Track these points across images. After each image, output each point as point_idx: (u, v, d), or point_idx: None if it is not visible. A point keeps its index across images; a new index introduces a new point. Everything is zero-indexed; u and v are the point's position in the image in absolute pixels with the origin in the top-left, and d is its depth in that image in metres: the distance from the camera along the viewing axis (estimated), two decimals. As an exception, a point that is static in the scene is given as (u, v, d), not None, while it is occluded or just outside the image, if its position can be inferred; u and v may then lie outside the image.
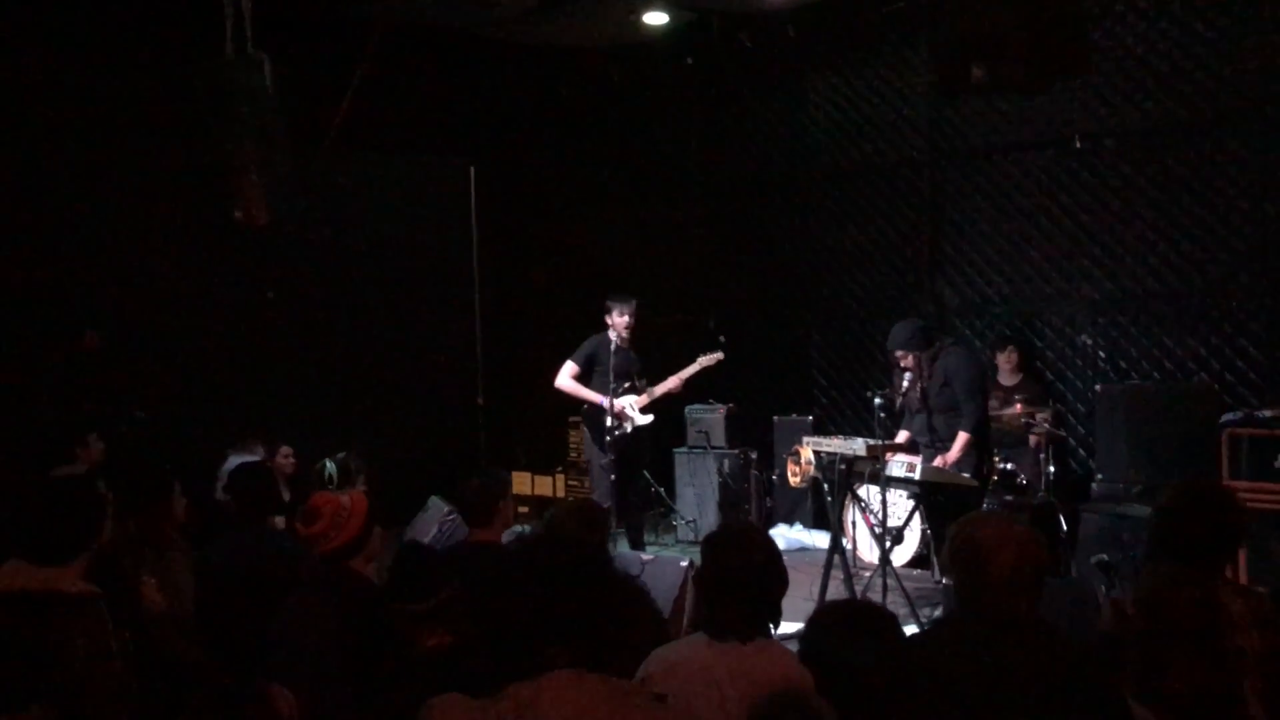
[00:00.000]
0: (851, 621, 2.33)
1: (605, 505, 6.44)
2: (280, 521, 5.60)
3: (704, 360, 7.68)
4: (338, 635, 3.36)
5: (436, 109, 9.47)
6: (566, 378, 7.55)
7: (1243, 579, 6.15)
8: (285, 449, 7.36)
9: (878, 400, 6.19)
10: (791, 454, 7.42)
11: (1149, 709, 2.52)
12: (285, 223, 6.23)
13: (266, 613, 3.61)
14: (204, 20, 6.01)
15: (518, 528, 7.18)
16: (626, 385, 7.36)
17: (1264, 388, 7.17)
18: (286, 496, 6.44)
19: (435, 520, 7.06)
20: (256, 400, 8.06)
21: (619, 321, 7.37)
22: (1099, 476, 7.23)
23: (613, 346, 7.37)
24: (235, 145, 5.96)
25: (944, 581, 6.49)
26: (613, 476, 7.25)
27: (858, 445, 6.14)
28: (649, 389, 7.53)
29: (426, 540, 6.97)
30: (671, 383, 7.59)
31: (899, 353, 6.55)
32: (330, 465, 6.10)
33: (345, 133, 8.58)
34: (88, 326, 7.41)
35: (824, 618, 2.40)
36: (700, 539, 8.33)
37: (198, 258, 7.95)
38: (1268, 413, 6.54)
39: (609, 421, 7.40)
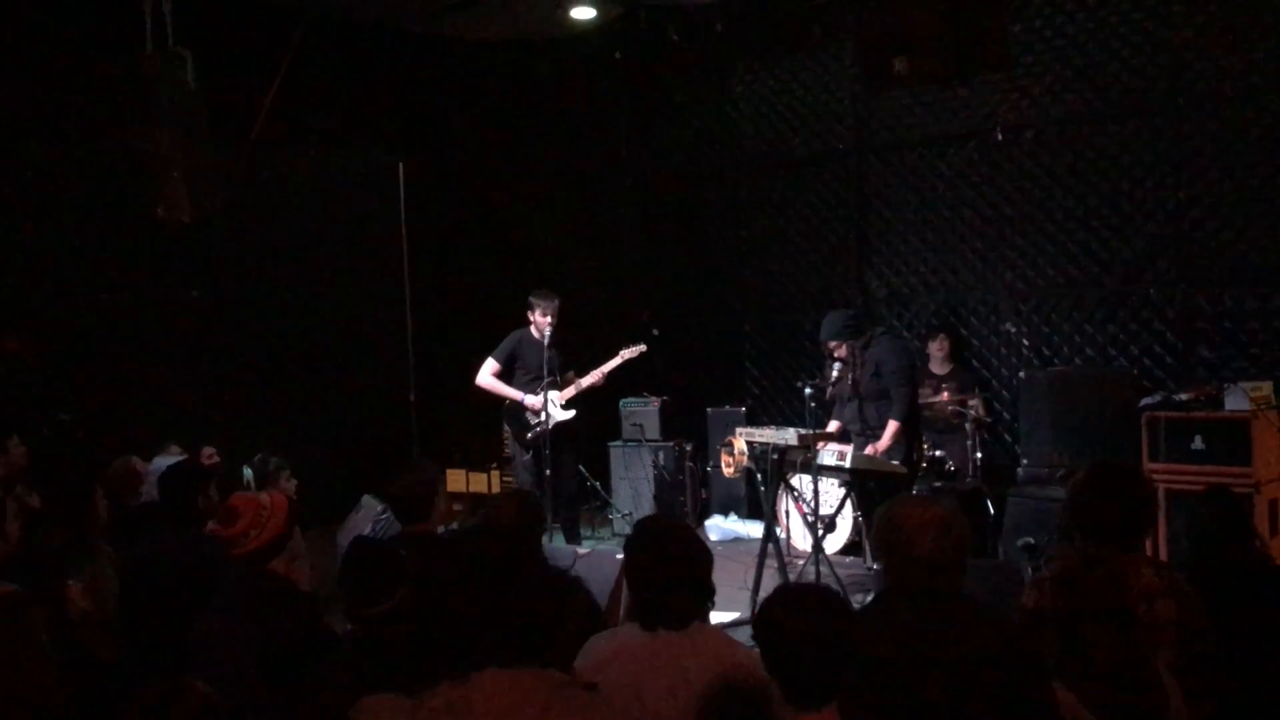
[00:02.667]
0: (802, 601, 2.40)
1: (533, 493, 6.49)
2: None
3: (626, 353, 7.73)
4: (259, 638, 3.32)
5: (364, 104, 9.36)
6: (487, 375, 7.58)
7: (1163, 558, 6.34)
8: (208, 450, 7.23)
9: (808, 390, 6.27)
10: (725, 445, 7.51)
11: (1066, 683, 2.60)
12: (209, 220, 6.12)
13: (190, 615, 3.56)
14: (124, 15, 5.89)
15: (453, 526, 7.16)
16: (548, 380, 7.38)
17: (1179, 371, 7.38)
18: (215, 498, 6.34)
19: (369, 519, 6.98)
20: (183, 400, 7.92)
21: (540, 319, 7.42)
22: (1024, 461, 7.39)
23: (534, 342, 7.43)
24: (157, 142, 5.86)
25: (875, 567, 6.60)
26: (548, 471, 7.27)
27: (789, 435, 6.21)
28: (575, 382, 7.57)
29: (360, 539, 6.92)
30: (593, 377, 7.63)
31: (832, 343, 6.63)
32: (247, 471, 6.00)
33: (271, 128, 8.45)
34: (6, 328, 7.22)
35: (777, 599, 2.46)
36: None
37: (120, 256, 7.78)
38: (1184, 396, 6.74)
39: (530, 418, 7.44)
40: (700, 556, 2.89)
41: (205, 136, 5.96)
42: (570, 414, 7.51)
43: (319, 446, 8.37)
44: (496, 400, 7.87)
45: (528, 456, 7.54)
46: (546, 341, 7.39)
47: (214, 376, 8.26)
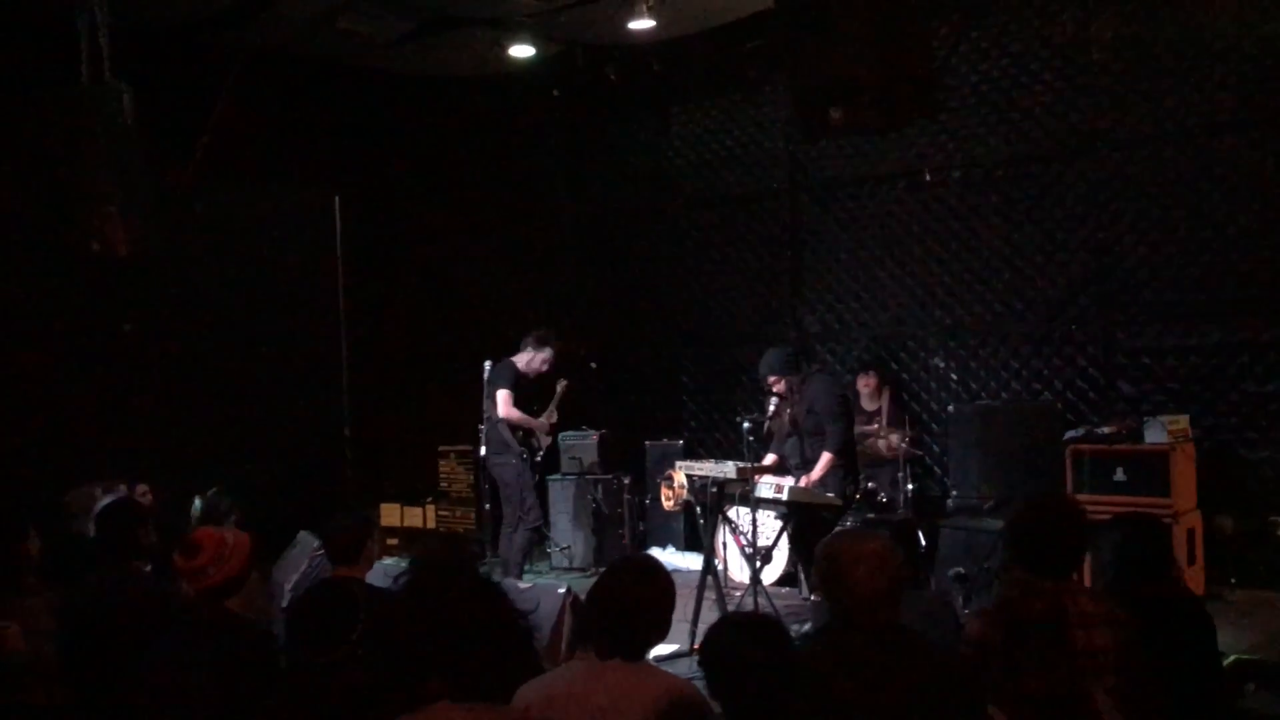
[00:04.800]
0: (748, 629, 2.50)
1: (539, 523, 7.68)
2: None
3: (560, 387, 8.11)
4: (215, 676, 3.31)
5: (300, 137, 9.32)
6: (513, 408, 7.71)
7: (1086, 583, 6.53)
8: (141, 487, 7.12)
9: (745, 425, 6.38)
10: (664, 478, 7.57)
11: (1006, 710, 2.70)
12: (144, 253, 6.07)
13: (135, 655, 3.53)
14: (60, 48, 5.84)
15: (387, 560, 7.14)
16: (534, 409, 7.85)
17: (1101, 405, 7.62)
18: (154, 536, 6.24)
19: (305, 556, 6.90)
20: (115, 436, 7.80)
21: (539, 361, 7.74)
22: (953, 493, 7.56)
23: (522, 375, 7.72)
24: (91, 175, 5.80)
25: (812, 598, 6.70)
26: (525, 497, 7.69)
27: (728, 468, 6.30)
28: (549, 411, 7.99)
29: (296, 576, 6.85)
30: (554, 408, 8.01)
31: (770, 378, 6.75)
32: (197, 503, 5.92)
33: (207, 161, 8.41)
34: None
35: (722, 627, 2.56)
36: (574, 565, 8.51)
37: (52, 290, 7.66)
38: (1106, 429, 6.97)
39: (535, 442, 7.86)
40: (671, 599, 2.98)
41: (141, 170, 5.92)
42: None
43: (252, 481, 8.26)
44: (434, 435, 7.96)
45: (534, 478, 7.90)
46: (531, 377, 7.77)
47: (146, 411, 8.14)
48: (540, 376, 7.90)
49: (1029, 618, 2.76)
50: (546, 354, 7.75)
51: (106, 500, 5.47)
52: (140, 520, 4.60)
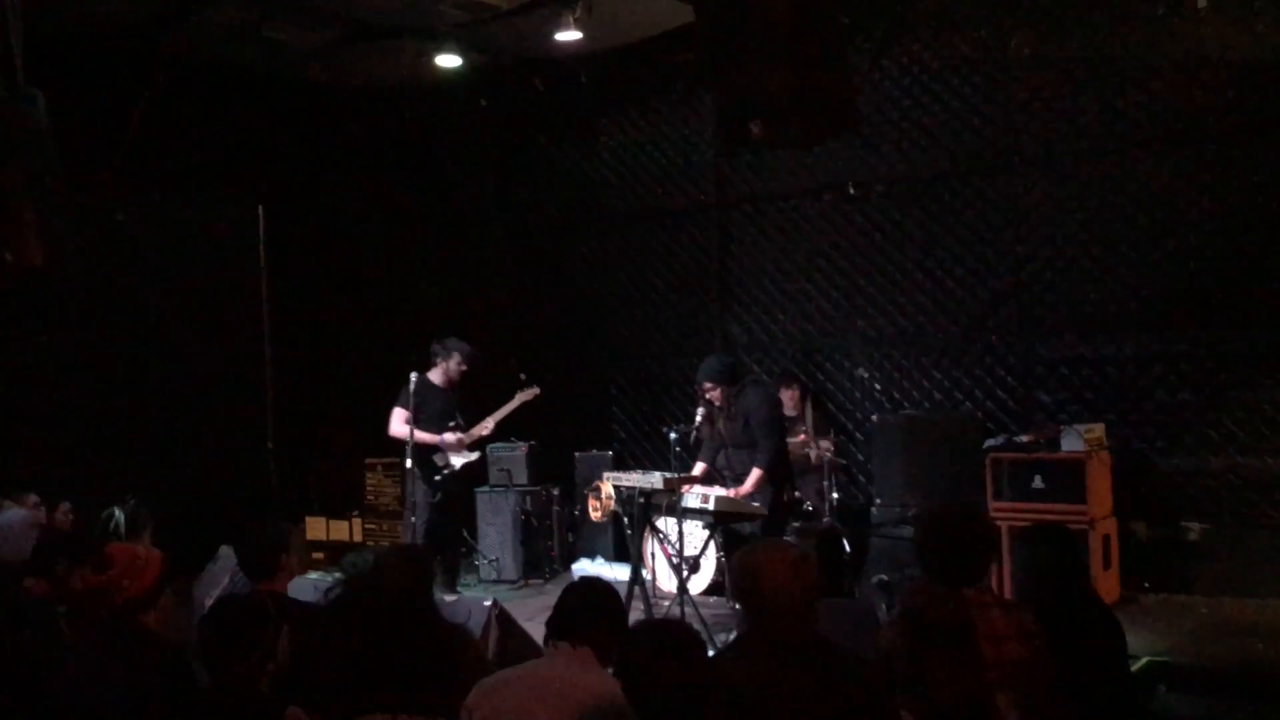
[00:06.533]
0: (661, 638, 2.52)
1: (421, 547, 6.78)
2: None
3: (522, 396, 7.91)
4: (130, 695, 3.25)
5: (223, 146, 9.20)
6: (401, 425, 7.51)
7: (1007, 592, 6.66)
8: (64, 505, 6.95)
9: (673, 435, 6.40)
10: (592, 490, 7.59)
11: (914, 714, 2.75)
12: (61, 264, 5.94)
13: (27, 681, 3.44)
14: (-31, 53, 5.70)
15: (313, 575, 7.04)
16: (451, 424, 7.57)
17: (1020, 414, 7.79)
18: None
19: (226, 571, 6.77)
20: (32, 450, 7.62)
21: (454, 366, 7.57)
22: (877, 500, 7.67)
23: (435, 388, 7.54)
24: (4, 184, 5.68)
25: (738, 606, 6.74)
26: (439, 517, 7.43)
27: (655, 479, 6.31)
28: (483, 424, 7.75)
29: (217, 592, 6.73)
30: (493, 420, 7.81)
31: (707, 384, 6.74)
32: (119, 514, 5.77)
33: (127, 170, 8.26)
34: None
35: (637, 634, 2.58)
36: (502, 578, 8.46)
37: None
38: (1025, 438, 7.13)
39: (438, 460, 7.56)
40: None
41: (58, 179, 5.80)
42: (475, 455, 7.78)
43: (174, 495, 8.11)
44: (360, 447, 7.83)
45: (435, 499, 7.58)
46: (452, 386, 7.62)
47: (65, 424, 7.96)
48: (465, 381, 7.78)
49: (936, 626, 2.81)
50: (456, 359, 7.63)
51: (16, 514, 5.34)
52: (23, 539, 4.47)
